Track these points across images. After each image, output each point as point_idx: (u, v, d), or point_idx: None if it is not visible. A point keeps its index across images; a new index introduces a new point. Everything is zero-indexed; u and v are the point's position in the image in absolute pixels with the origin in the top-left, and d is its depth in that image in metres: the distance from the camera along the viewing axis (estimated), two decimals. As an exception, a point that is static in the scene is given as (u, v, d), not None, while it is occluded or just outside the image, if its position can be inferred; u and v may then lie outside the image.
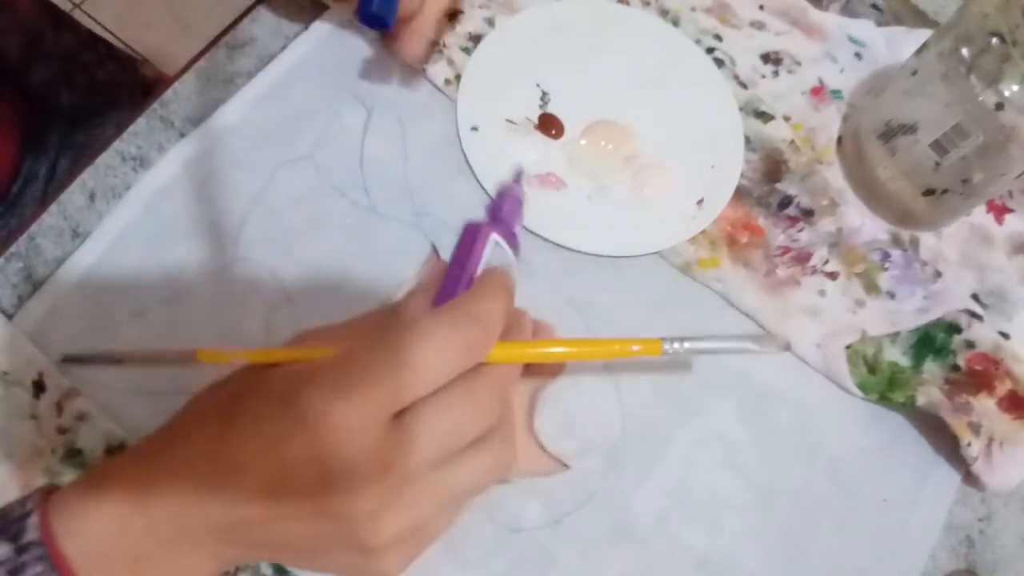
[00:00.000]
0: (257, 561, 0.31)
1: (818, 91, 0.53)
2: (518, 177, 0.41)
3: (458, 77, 0.50)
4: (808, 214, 0.49)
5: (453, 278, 0.33)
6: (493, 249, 0.36)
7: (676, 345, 0.34)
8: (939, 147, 0.44)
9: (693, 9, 0.54)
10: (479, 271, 0.34)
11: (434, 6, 0.46)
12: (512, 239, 0.38)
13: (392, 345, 0.28)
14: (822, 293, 0.47)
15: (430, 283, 0.33)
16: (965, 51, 0.42)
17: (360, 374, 0.27)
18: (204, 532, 0.29)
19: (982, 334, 0.47)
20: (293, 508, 0.28)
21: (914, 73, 0.46)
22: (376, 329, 0.31)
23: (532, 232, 0.47)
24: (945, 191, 0.46)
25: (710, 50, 0.53)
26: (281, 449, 0.27)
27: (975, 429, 0.43)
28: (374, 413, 0.27)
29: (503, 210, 0.39)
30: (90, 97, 0.65)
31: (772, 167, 0.50)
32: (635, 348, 0.34)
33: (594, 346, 0.36)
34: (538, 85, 0.51)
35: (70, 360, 0.39)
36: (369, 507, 0.27)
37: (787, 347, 0.37)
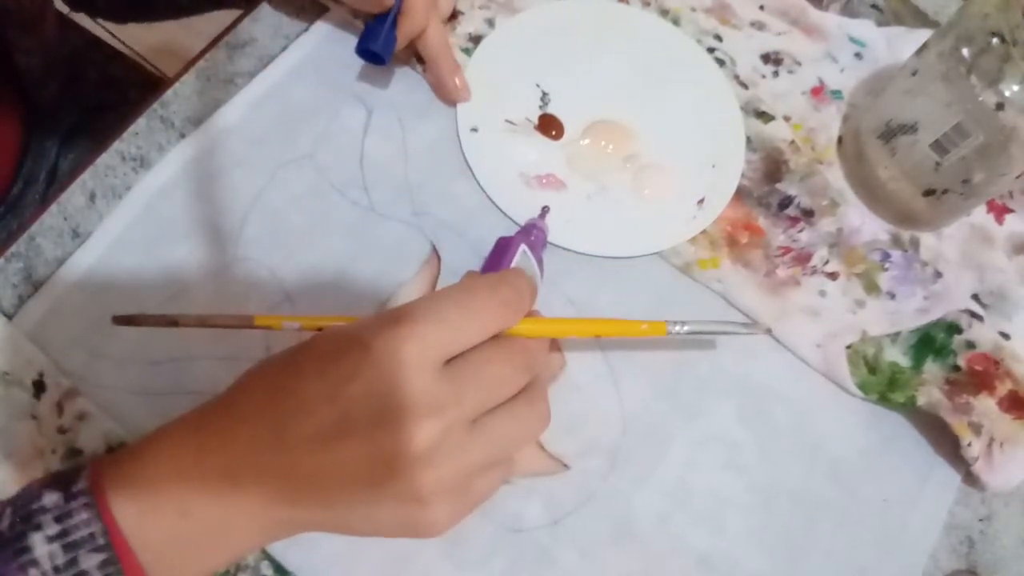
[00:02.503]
0: (302, 531, 0.32)
1: (818, 91, 0.53)
2: (544, 214, 0.46)
3: (458, 77, 0.50)
4: (808, 214, 0.49)
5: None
6: (522, 258, 0.42)
7: (679, 327, 0.38)
8: (939, 147, 0.44)
9: (693, 9, 0.54)
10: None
11: (441, 41, 0.48)
12: (538, 262, 0.43)
13: (446, 295, 0.31)
14: (822, 293, 0.47)
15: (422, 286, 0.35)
16: (965, 51, 0.42)
17: (423, 317, 0.29)
18: (256, 485, 0.30)
19: (982, 334, 0.47)
20: (350, 450, 0.29)
21: (914, 73, 0.46)
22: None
23: (532, 232, 0.47)
24: (945, 191, 0.46)
25: (710, 50, 0.53)
26: (346, 386, 0.29)
27: (975, 429, 0.43)
28: (433, 354, 0.29)
29: (531, 235, 0.44)
30: (98, 95, 0.65)
31: (772, 167, 0.50)
32: (643, 327, 0.38)
33: (606, 325, 0.40)
34: (538, 85, 0.51)
35: (121, 321, 0.38)
36: (422, 446, 0.28)
37: (767, 331, 0.45)
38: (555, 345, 0.44)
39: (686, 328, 0.38)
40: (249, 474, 0.30)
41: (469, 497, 0.32)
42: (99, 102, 0.65)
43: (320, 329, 0.34)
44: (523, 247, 0.42)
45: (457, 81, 0.49)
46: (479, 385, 0.31)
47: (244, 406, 0.31)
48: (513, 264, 0.40)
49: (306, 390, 0.30)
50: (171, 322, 0.37)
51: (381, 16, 0.45)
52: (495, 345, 0.31)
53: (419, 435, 0.28)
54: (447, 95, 0.49)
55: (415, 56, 0.50)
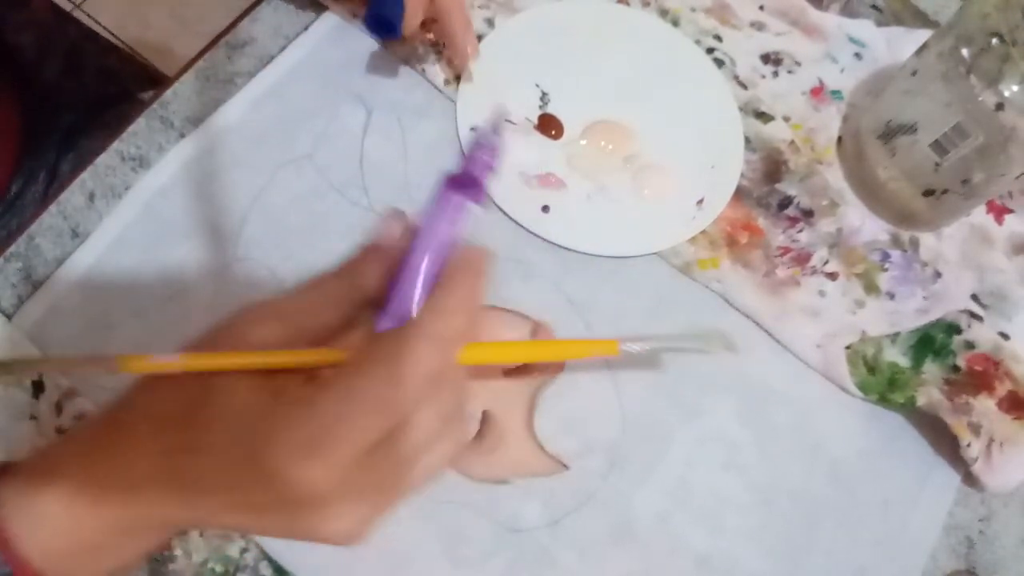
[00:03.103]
0: (213, 528, 0.31)
1: (818, 91, 0.53)
2: (496, 126, 0.36)
3: (458, 77, 0.50)
4: (808, 214, 0.49)
5: (416, 258, 0.31)
6: (470, 219, 0.33)
7: (632, 346, 0.36)
8: (939, 147, 0.44)
9: (693, 9, 0.54)
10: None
11: (459, 17, 0.47)
12: (484, 190, 0.34)
13: (361, 389, 0.26)
14: (822, 293, 0.47)
15: (385, 244, 0.32)
16: (965, 51, 0.42)
17: (330, 430, 0.26)
18: (162, 525, 0.29)
19: (982, 334, 0.47)
20: (263, 522, 0.28)
21: (914, 73, 0.46)
22: (324, 329, 0.30)
23: (532, 232, 0.47)
24: (945, 191, 0.46)
25: (710, 50, 0.53)
26: (246, 494, 0.27)
27: (975, 430, 0.43)
28: (346, 460, 0.26)
29: (475, 170, 0.34)
30: (96, 88, 0.65)
31: (772, 167, 0.50)
32: (593, 349, 0.36)
33: (554, 347, 0.37)
34: (538, 85, 0.51)
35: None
36: (342, 531, 0.27)
37: (732, 348, 0.40)
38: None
39: (638, 347, 0.37)
40: (155, 521, 0.29)
41: (382, 494, 0.29)
42: (99, 96, 0.64)
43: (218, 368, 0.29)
44: (473, 207, 0.33)
45: (469, 40, 0.48)
46: (401, 457, 0.28)
47: (142, 456, 0.28)
48: (459, 235, 0.32)
49: (206, 477, 0.27)
50: (33, 367, 0.35)
51: None
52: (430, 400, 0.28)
53: (335, 522, 0.27)
54: (457, 52, 0.48)
55: (426, 31, 0.49)
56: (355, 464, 0.26)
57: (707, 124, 0.51)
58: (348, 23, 0.51)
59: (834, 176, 0.51)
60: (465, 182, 0.33)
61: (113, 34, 1.26)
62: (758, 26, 0.55)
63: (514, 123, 0.50)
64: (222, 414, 0.27)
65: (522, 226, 0.47)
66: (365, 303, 0.31)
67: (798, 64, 0.54)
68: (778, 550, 0.42)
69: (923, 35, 0.49)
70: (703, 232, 0.48)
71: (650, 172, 0.49)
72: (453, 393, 0.29)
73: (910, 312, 0.47)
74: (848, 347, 0.46)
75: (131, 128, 0.48)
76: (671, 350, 0.43)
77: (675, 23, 0.54)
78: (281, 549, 0.40)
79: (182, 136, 0.48)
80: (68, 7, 1.34)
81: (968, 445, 0.43)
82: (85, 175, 0.46)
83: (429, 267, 0.30)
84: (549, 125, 0.50)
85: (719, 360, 0.45)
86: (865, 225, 0.49)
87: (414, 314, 0.29)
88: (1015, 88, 0.40)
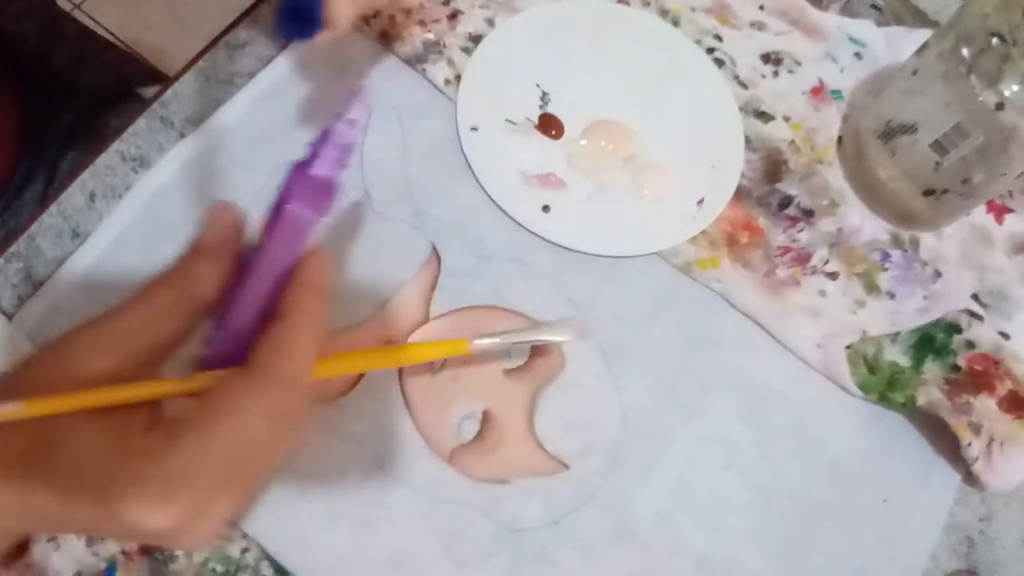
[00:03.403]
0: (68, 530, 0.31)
1: (818, 91, 0.53)
2: (350, 118, 0.33)
3: (458, 77, 0.50)
4: (808, 214, 0.49)
5: (263, 269, 0.29)
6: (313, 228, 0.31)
7: (482, 342, 0.36)
8: (939, 147, 0.44)
9: (693, 9, 0.54)
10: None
11: None
12: (331, 192, 0.32)
13: (208, 438, 0.26)
14: (822, 293, 0.47)
15: (213, 241, 0.31)
16: (965, 51, 0.42)
17: (180, 483, 0.26)
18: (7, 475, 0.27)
19: (982, 334, 0.47)
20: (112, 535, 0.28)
21: (914, 73, 0.46)
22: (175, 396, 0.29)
23: (532, 232, 0.47)
24: (945, 191, 0.46)
25: (710, 50, 0.53)
26: (96, 527, 0.27)
27: (975, 429, 0.43)
28: (197, 504, 0.26)
29: (324, 171, 0.32)
30: (96, 88, 0.65)
31: (772, 167, 0.50)
32: (443, 349, 0.35)
33: (403, 352, 0.36)
34: (538, 85, 0.51)
35: None
36: (188, 540, 0.27)
37: (585, 335, 0.42)
38: (552, 345, 0.44)
39: (488, 342, 0.37)
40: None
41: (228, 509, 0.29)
42: (99, 95, 0.64)
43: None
44: (318, 221, 0.30)
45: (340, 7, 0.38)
46: (249, 479, 0.28)
47: None
48: (301, 250, 0.30)
49: (51, 507, 0.26)
50: None
51: None
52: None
53: (178, 541, 0.27)
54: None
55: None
56: (204, 500, 0.26)
57: (707, 124, 0.51)
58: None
59: (834, 176, 0.51)
60: (313, 185, 0.31)
61: (113, 34, 1.26)
62: (758, 26, 0.55)
63: (514, 123, 0.50)
64: (68, 460, 0.26)
65: (522, 226, 0.47)
66: (200, 311, 0.30)
67: (798, 64, 0.54)
68: (778, 550, 0.42)
69: (923, 35, 0.49)
70: (703, 232, 0.48)
71: (650, 172, 0.49)
72: (299, 409, 0.29)
73: (910, 312, 0.47)
74: (848, 347, 0.46)
75: (131, 128, 0.48)
76: (525, 343, 0.42)
77: (675, 23, 0.54)
78: (282, 549, 0.40)
79: (182, 136, 0.48)
80: (68, 7, 1.34)
81: (968, 445, 0.43)
82: (85, 175, 0.46)
83: (269, 286, 0.29)
84: (549, 125, 0.50)
85: (719, 359, 0.46)
86: (865, 225, 0.49)
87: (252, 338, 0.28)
88: (1015, 88, 0.40)
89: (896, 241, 0.49)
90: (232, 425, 0.27)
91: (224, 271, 0.30)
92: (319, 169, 0.31)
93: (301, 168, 0.31)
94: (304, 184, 0.30)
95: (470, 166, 0.48)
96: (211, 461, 0.26)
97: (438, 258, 0.46)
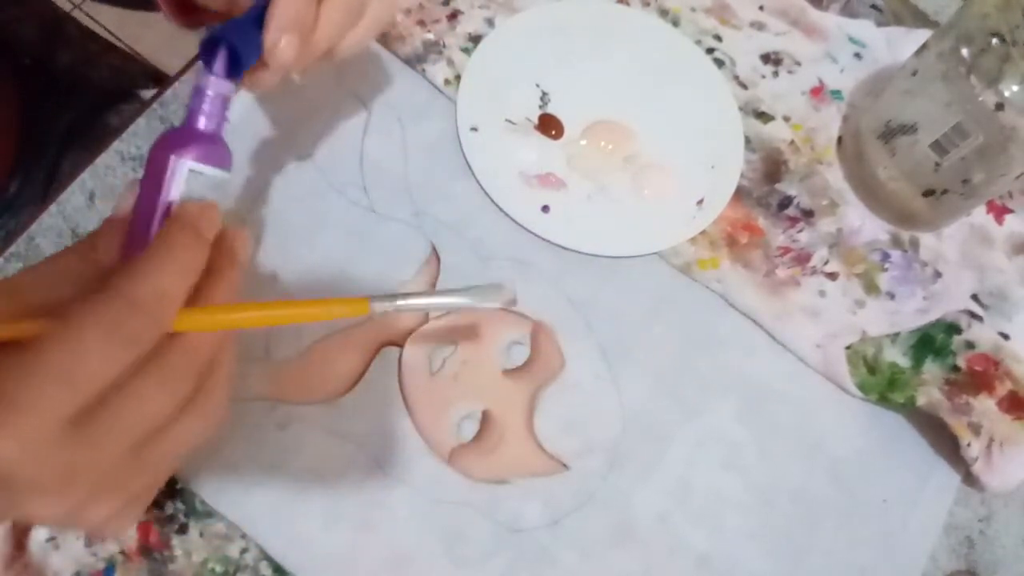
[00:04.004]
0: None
1: (818, 91, 0.53)
2: (211, 54, 0.31)
3: (458, 77, 0.50)
4: (808, 214, 0.49)
5: (140, 224, 0.29)
6: (189, 176, 0.30)
7: (386, 304, 0.31)
8: (939, 147, 0.44)
9: (693, 9, 0.54)
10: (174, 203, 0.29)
11: (332, 24, 0.34)
12: (215, 147, 0.31)
13: (44, 358, 0.24)
14: (822, 293, 0.47)
15: (123, 215, 0.30)
16: (965, 51, 0.42)
17: (12, 397, 0.24)
18: None
19: (982, 334, 0.47)
20: None
21: (914, 73, 0.46)
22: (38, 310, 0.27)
23: (532, 232, 0.47)
24: (945, 191, 0.46)
25: (710, 50, 0.53)
26: None
27: (975, 429, 0.43)
28: (40, 433, 0.24)
29: (200, 117, 0.31)
30: (96, 88, 0.65)
31: (772, 167, 0.50)
32: (339, 309, 0.31)
33: (296, 308, 0.31)
34: (538, 85, 0.51)
35: None
36: (62, 513, 0.26)
37: (512, 302, 0.35)
38: (552, 345, 0.44)
39: (390, 305, 0.31)
40: None
41: (134, 509, 0.28)
42: (99, 95, 0.64)
43: None
44: (187, 166, 0.30)
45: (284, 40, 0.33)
46: (121, 431, 0.26)
47: None
48: (173, 196, 0.29)
49: None
50: None
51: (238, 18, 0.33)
52: (140, 372, 0.26)
53: (53, 510, 0.26)
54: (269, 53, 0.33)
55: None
56: (53, 442, 0.24)
57: (707, 124, 0.51)
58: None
59: (834, 176, 0.51)
60: (189, 135, 0.30)
61: (113, 34, 1.26)
62: (758, 26, 0.55)
63: (514, 123, 0.50)
64: None
65: (522, 226, 0.47)
66: (102, 277, 0.28)
67: (798, 64, 0.54)
68: (778, 550, 0.42)
69: (923, 35, 0.49)
70: (703, 232, 0.48)
71: (650, 172, 0.49)
72: (181, 365, 0.27)
73: (910, 312, 0.47)
74: (848, 347, 0.46)
75: (131, 128, 0.48)
76: (435, 307, 0.36)
77: (675, 23, 0.54)
78: (282, 549, 0.40)
79: (182, 136, 0.48)
80: (68, 7, 1.34)
81: (968, 445, 0.43)
82: (85, 175, 0.46)
83: (142, 230, 0.29)
84: (549, 125, 0.50)
85: (719, 359, 0.46)
86: (865, 225, 0.49)
87: None
88: (1015, 88, 0.40)
89: (896, 241, 0.49)
90: (69, 339, 0.25)
91: (123, 241, 0.29)
92: (194, 122, 0.31)
93: (180, 128, 0.31)
94: (176, 134, 0.30)
95: (470, 166, 0.48)
96: (44, 378, 0.24)
97: (438, 258, 0.46)
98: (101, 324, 0.25)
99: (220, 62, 0.31)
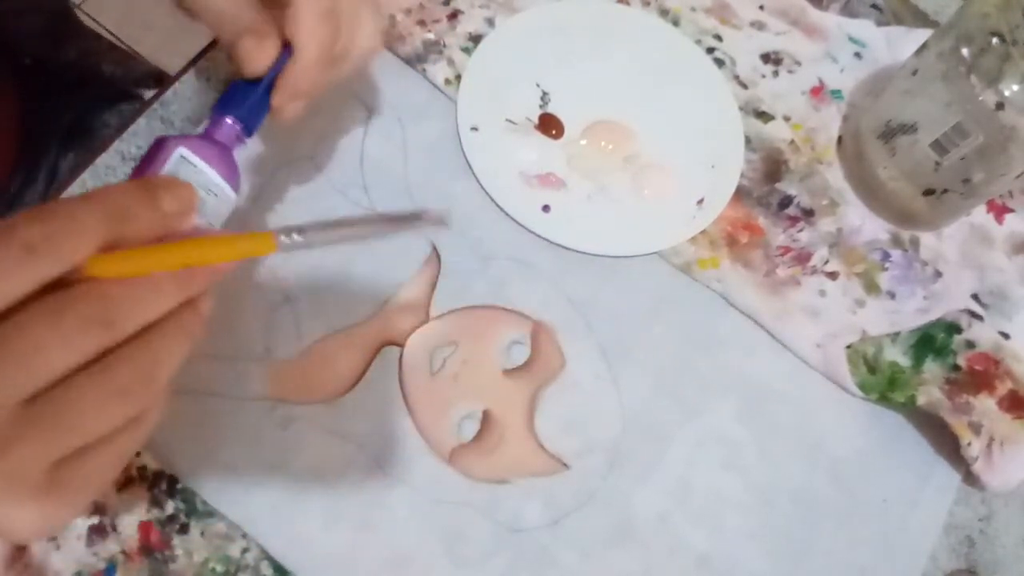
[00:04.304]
0: None
1: (818, 91, 0.53)
2: (219, 119, 0.33)
3: (458, 77, 0.50)
4: (808, 214, 0.49)
5: None
6: (180, 164, 0.30)
7: (295, 237, 0.28)
8: (939, 147, 0.44)
9: (693, 9, 0.54)
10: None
11: (310, 52, 0.35)
12: (215, 149, 0.32)
13: None
14: (822, 293, 0.47)
15: None
16: (965, 51, 0.42)
17: None
18: None
19: (982, 334, 0.47)
20: None
21: (914, 73, 0.46)
22: None
23: (532, 232, 0.47)
24: (945, 191, 0.46)
25: (710, 50, 0.53)
26: None
27: (975, 429, 0.43)
28: None
29: (217, 128, 0.33)
30: (97, 88, 0.65)
31: (772, 167, 0.50)
32: (245, 245, 0.28)
33: (194, 248, 0.28)
34: (538, 85, 0.51)
35: None
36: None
37: (440, 221, 0.32)
38: (552, 345, 0.44)
39: (302, 237, 0.29)
40: None
41: (66, 492, 0.25)
42: (100, 95, 0.64)
43: None
44: (180, 151, 0.30)
45: (290, 107, 0.36)
46: (9, 368, 0.23)
47: None
48: (163, 171, 0.30)
49: None
50: None
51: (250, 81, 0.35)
52: (30, 308, 0.23)
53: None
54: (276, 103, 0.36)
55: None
56: None
57: (707, 124, 0.51)
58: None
59: (834, 176, 0.51)
60: (193, 136, 0.32)
61: (113, 34, 1.26)
62: (758, 26, 0.55)
63: (514, 123, 0.50)
64: None
65: (522, 226, 0.47)
66: None
67: (798, 64, 0.54)
68: (778, 550, 0.42)
69: (923, 35, 0.49)
70: (703, 232, 0.48)
71: (650, 172, 0.49)
72: (82, 309, 0.24)
73: (910, 311, 0.47)
74: (848, 347, 0.46)
75: (131, 128, 0.48)
76: (347, 238, 0.32)
77: (675, 23, 0.54)
78: (282, 549, 0.40)
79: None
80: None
81: (968, 444, 0.43)
82: (85, 175, 0.46)
83: None
84: (549, 125, 0.50)
85: (719, 359, 0.46)
86: (865, 225, 0.49)
87: None
88: (1015, 88, 0.40)
89: (896, 241, 0.49)
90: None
91: None
92: (212, 131, 0.33)
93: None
94: (192, 137, 0.31)
95: (470, 166, 0.48)
96: None
97: (438, 258, 0.46)
98: (15, 234, 0.23)
99: (225, 131, 0.33)
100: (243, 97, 0.34)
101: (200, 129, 0.33)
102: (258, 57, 0.34)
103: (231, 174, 0.33)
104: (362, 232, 0.31)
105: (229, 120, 0.34)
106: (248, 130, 0.35)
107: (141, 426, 0.26)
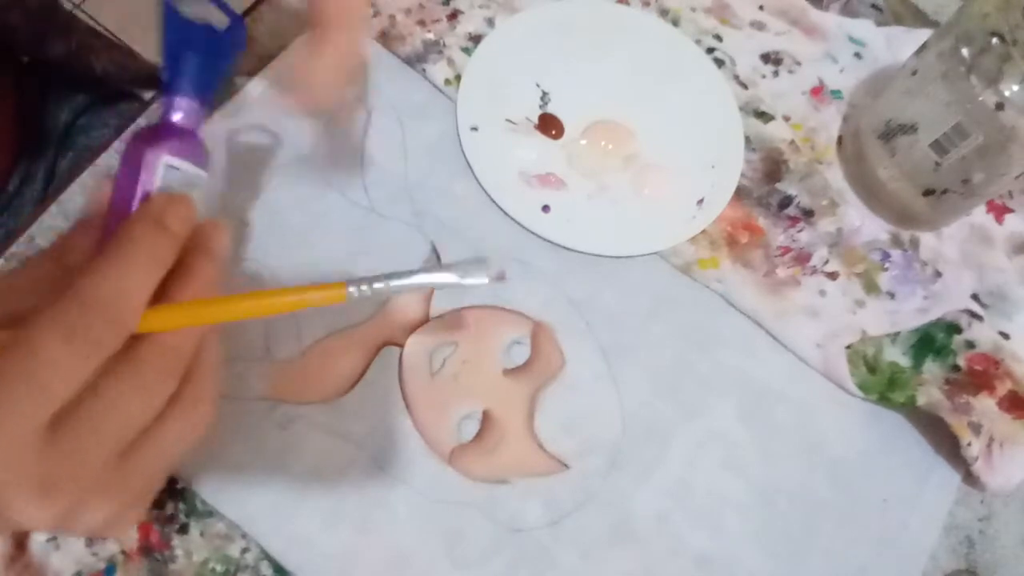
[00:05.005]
0: None
1: (818, 91, 0.53)
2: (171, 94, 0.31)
3: (458, 77, 0.50)
4: (808, 214, 0.49)
5: (114, 222, 0.28)
6: (166, 172, 0.29)
7: (364, 288, 0.29)
8: (939, 147, 0.44)
9: (693, 9, 0.54)
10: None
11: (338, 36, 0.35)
12: (191, 143, 0.31)
13: (8, 368, 0.24)
14: (822, 293, 0.47)
15: (95, 215, 0.29)
16: (965, 51, 0.42)
17: None
18: None
19: (982, 334, 0.47)
20: None
21: (914, 73, 0.46)
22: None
23: (532, 232, 0.47)
24: (945, 191, 0.46)
25: (710, 50, 0.53)
26: None
27: (975, 429, 0.43)
28: (16, 440, 0.24)
29: (176, 113, 0.31)
30: (97, 87, 0.64)
31: (772, 167, 0.50)
32: (316, 296, 0.29)
33: (269, 297, 0.29)
34: (538, 85, 0.51)
35: None
36: (50, 519, 0.25)
37: (501, 277, 0.32)
38: (552, 345, 0.44)
39: (374, 287, 0.29)
40: None
41: (134, 515, 0.28)
42: (100, 94, 0.64)
43: None
44: (165, 159, 0.29)
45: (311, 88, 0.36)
46: (100, 437, 0.25)
47: None
48: (149, 190, 0.29)
49: None
50: None
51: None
52: (110, 375, 0.25)
53: (40, 522, 0.25)
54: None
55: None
56: (31, 449, 0.24)
57: (707, 124, 0.51)
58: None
59: (834, 176, 0.51)
60: (165, 130, 0.30)
61: (112, 34, 1.26)
62: (758, 26, 0.55)
63: (514, 123, 0.50)
64: None
65: (522, 226, 0.47)
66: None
67: (798, 64, 0.54)
68: (778, 550, 0.42)
69: (923, 35, 0.49)
70: (703, 232, 0.48)
71: (650, 172, 0.49)
72: (154, 364, 0.26)
73: (910, 311, 0.47)
74: (848, 347, 0.46)
75: (131, 128, 0.48)
76: (416, 287, 0.31)
77: (675, 23, 0.54)
78: (282, 549, 0.40)
79: (182, 136, 0.47)
80: (68, 6, 1.34)
81: (968, 444, 0.43)
82: (85, 175, 0.46)
83: (115, 223, 0.28)
84: (549, 125, 0.50)
85: (719, 359, 0.46)
86: (865, 225, 0.49)
87: None
88: (1015, 88, 0.40)
89: (896, 241, 0.49)
90: (29, 345, 0.24)
91: (98, 243, 0.29)
92: (168, 117, 0.31)
93: (156, 124, 0.31)
94: (152, 130, 0.30)
95: (470, 166, 0.48)
96: (15, 388, 0.24)
97: (438, 258, 0.46)
98: (59, 328, 0.24)
99: (187, 113, 0.31)
100: (192, 67, 0.31)
101: (157, 108, 0.31)
102: None
103: (204, 158, 0.31)
104: (428, 281, 0.31)
105: (187, 99, 0.31)
106: (206, 102, 0.32)
107: (189, 413, 0.28)
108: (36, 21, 0.56)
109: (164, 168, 0.29)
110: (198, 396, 0.28)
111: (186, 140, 0.31)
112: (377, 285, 0.29)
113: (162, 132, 0.30)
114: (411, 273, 0.30)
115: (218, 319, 0.28)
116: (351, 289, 0.29)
